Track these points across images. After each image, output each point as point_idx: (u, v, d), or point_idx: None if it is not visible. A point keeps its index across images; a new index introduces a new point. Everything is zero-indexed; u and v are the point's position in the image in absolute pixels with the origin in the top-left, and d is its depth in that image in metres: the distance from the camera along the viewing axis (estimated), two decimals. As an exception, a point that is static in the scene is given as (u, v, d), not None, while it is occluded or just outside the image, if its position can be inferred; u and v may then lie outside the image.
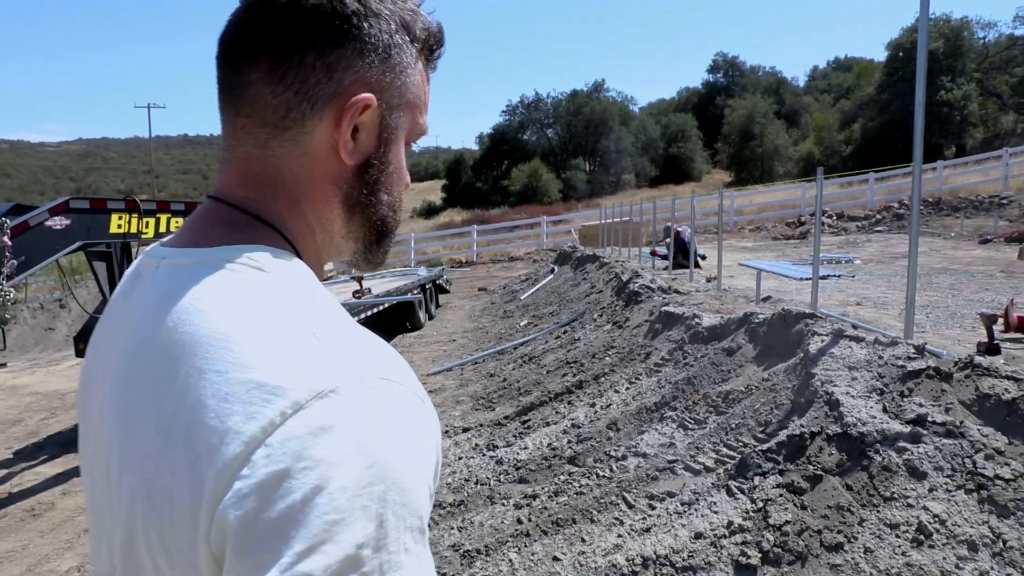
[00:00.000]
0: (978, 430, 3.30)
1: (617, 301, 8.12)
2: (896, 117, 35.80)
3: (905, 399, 3.54)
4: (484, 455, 4.76)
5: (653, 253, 11.66)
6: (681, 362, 5.08)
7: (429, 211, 52.44)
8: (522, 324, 10.14)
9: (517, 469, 4.38)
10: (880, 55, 47.56)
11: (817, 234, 5.53)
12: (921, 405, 3.46)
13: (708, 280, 8.88)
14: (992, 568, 2.75)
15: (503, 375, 7.19)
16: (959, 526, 2.94)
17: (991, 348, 4.33)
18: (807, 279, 7.51)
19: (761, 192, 29.01)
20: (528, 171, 48.63)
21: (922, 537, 2.94)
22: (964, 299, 6.94)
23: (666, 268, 10.47)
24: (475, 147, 65.13)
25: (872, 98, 41.19)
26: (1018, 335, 4.94)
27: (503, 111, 59.73)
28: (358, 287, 10.35)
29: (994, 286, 7.81)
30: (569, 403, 5.50)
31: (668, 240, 11.16)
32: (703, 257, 11.55)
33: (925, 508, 3.02)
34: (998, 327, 4.93)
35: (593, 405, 5.18)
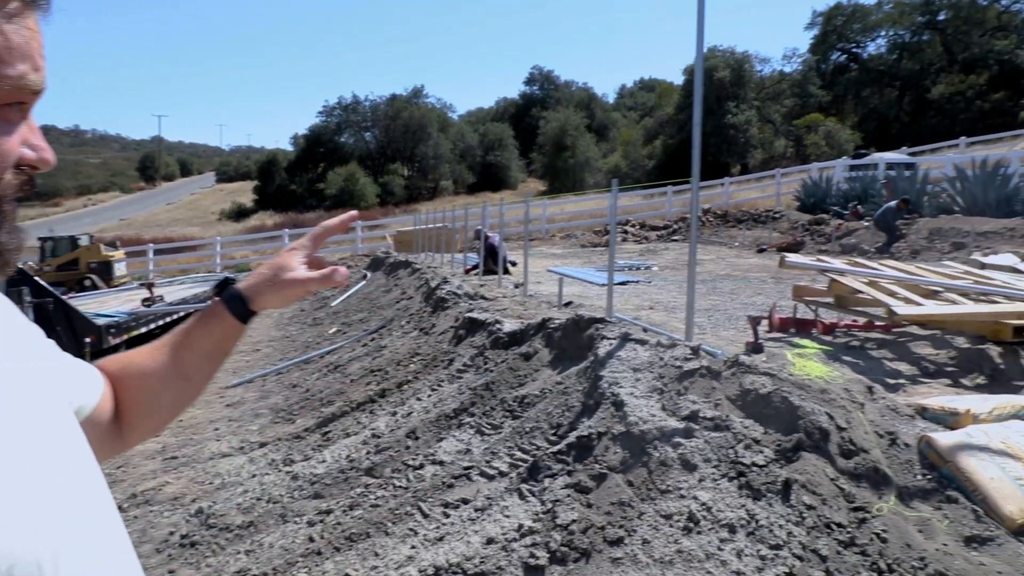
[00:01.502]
0: (740, 422, 3.61)
1: (425, 307, 8.12)
2: (691, 136, 39.07)
3: (681, 397, 3.81)
4: (280, 471, 4.54)
5: (467, 271, 11.79)
6: (482, 368, 5.14)
7: (239, 214, 49.68)
8: (331, 332, 9.85)
9: (312, 484, 4.21)
10: (679, 78, 51.68)
11: (612, 242, 5.82)
12: (694, 402, 3.74)
13: (516, 286, 9.11)
14: (747, 546, 3.01)
15: (306, 385, 6.92)
16: (722, 511, 3.20)
17: (756, 347, 4.77)
18: (605, 285, 7.92)
19: (572, 201, 30.38)
20: (345, 174, 47.61)
21: (691, 524, 3.17)
22: (741, 302, 7.63)
23: (477, 274, 10.62)
24: (290, 148, 62.61)
25: (671, 117, 44.69)
26: (780, 334, 5.49)
27: (319, 112, 57.91)
28: (148, 295, 9.54)
29: (766, 290, 8.66)
30: (371, 412, 5.39)
31: (478, 244, 11.34)
32: (513, 263, 11.86)
33: (695, 498, 3.25)
34: (763, 328, 5.47)
35: (395, 414, 5.11)
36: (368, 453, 4.45)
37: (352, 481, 4.12)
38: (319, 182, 50.14)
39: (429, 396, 5.16)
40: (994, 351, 4.76)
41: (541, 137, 51.86)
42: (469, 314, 6.27)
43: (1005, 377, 4.55)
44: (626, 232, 20.72)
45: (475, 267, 11.26)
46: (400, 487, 3.89)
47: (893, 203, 13.77)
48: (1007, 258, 9.83)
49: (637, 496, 3.37)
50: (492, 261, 10.77)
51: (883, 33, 51.01)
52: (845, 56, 52.50)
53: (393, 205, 45.38)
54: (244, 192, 55.90)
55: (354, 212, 1.11)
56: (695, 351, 4.17)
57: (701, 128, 4.86)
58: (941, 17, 48.28)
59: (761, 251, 14.95)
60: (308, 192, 50.68)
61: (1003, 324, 4.79)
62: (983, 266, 9.40)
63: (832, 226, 16.53)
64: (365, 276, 15.14)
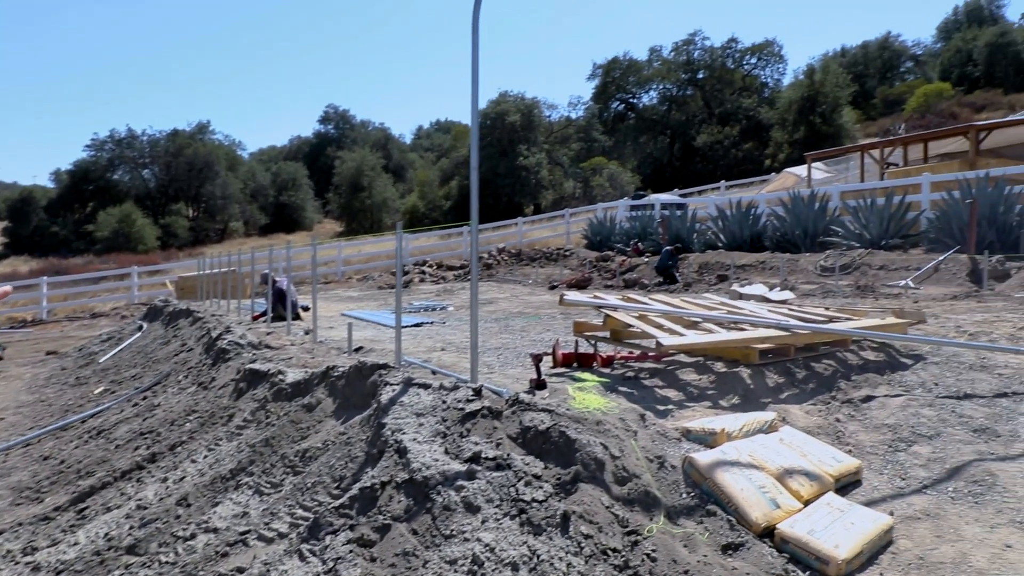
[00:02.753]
0: (522, 459, 3.70)
1: (206, 359, 7.57)
2: (486, 176, 40.45)
3: (464, 439, 3.83)
4: (17, 563, 3.94)
5: (255, 317, 11.17)
6: (263, 422, 4.86)
7: (-17, 260, 43.64)
8: (97, 392, 8.87)
9: (59, 574, 3.70)
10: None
11: (399, 285, 5.79)
12: (476, 443, 3.77)
13: (306, 332, 8.79)
14: (529, 585, 3.06)
15: (61, 456, 6.14)
16: (505, 551, 3.23)
17: (540, 384, 4.94)
18: (393, 327, 7.85)
19: (370, 242, 30.10)
20: (119, 215, 43.61)
21: (475, 568, 3.17)
22: (530, 339, 7.89)
23: (265, 321, 10.11)
24: (50, 184, 56.25)
25: (466, 159, 46.03)
26: (564, 369, 5.73)
27: (88, 145, 52.76)
28: None
29: (555, 326, 9.04)
30: (139, 481, 4.88)
31: (265, 290, 10.83)
32: (305, 308, 11.44)
33: (479, 539, 3.26)
34: (548, 364, 5.69)
35: (166, 480, 4.66)
36: (131, 528, 4.01)
37: (109, 563, 3.68)
38: (88, 223, 45.47)
39: (205, 457, 4.78)
40: (745, 373, 5.30)
41: (337, 177, 51.13)
42: (251, 365, 5.92)
43: (754, 396, 5.07)
44: (423, 272, 20.84)
45: (263, 314, 10.73)
46: (167, 563, 3.53)
47: (668, 248, 15.08)
48: (758, 288, 11.10)
49: (422, 544, 3.32)
50: (281, 307, 10.32)
51: (654, 86, 56.49)
52: (623, 105, 57.35)
53: (176, 248, 42.30)
54: (-11, 235, 49.33)
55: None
56: (477, 392, 4.23)
57: (476, 171, 4.99)
58: (700, 76, 54.53)
59: (553, 288, 15.68)
60: (74, 235, 45.78)
61: (751, 348, 5.36)
62: (741, 296, 10.53)
63: (616, 262, 17.75)
64: (140, 327, 13.88)
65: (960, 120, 37.73)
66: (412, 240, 26.48)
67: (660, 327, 5.53)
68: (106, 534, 4.07)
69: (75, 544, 4.03)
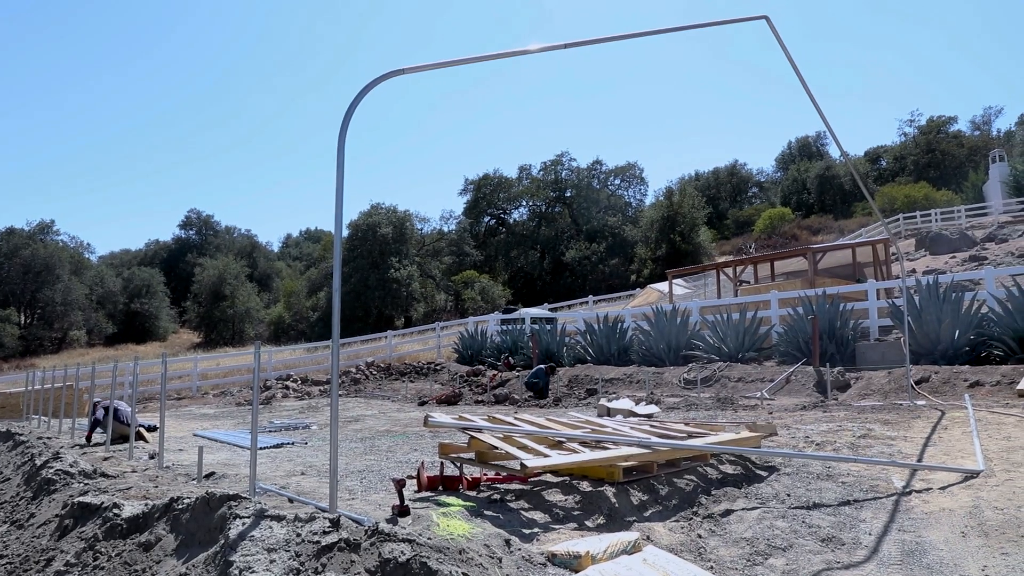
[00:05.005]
0: (382, 597, 3.48)
1: (25, 491, 6.75)
2: (356, 289, 40.11)
3: (318, 575, 3.57)
4: None
5: (88, 436, 10.16)
6: (91, 565, 4.33)
7: None
8: None
9: None
10: (343, 231, 53.48)
11: (255, 406, 5.49)
12: (333, 580, 3.52)
13: (151, 457, 8.10)
14: None
15: None
16: None
17: (403, 510, 4.74)
18: (258, 448, 7.38)
19: (231, 355, 28.69)
20: (-62, 322, 39.42)
21: None
22: (396, 461, 7.62)
23: (103, 444, 9.24)
24: None
25: (334, 269, 45.60)
26: (429, 492, 5.55)
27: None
28: None
29: (423, 446, 8.81)
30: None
31: (97, 415, 9.95)
32: (151, 428, 10.59)
33: None
34: (413, 488, 5.49)
35: (-38, 639, 4.01)
36: None
37: None
38: None
39: (14, 609, 4.17)
40: (610, 491, 5.33)
41: (196, 285, 49.05)
42: (82, 498, 5.34)
43: (619, 514, 5.09)
44: (287, 387, 19.98)
45: (93, 429, 9.81)
46: None
47: (543, 367, 15.33)
48: (625, 402, 11.40)
49: None
50: (121, 423, 9.51)
51: (524, 203, 59.08)
52: (495, 220, 59.37)
53: (2, 360, 38.43)
54: None
55: None
56: (335, 523, 3.99)
57: (339, 291, 4.91)
58: (568, 193, 57.71)
59: (423, 404, 15.41)
60: None
61: (615, 467, 5.43)
62: (609, 410, 10.76)
63: (487, 376, 17.78)
64: (-47, 451, 12.27)
65: (800, 241, 41.81)
66: (276, 353, 25.48)
67: (525, 448, 5.51)
68: None
69: None
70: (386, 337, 27.02)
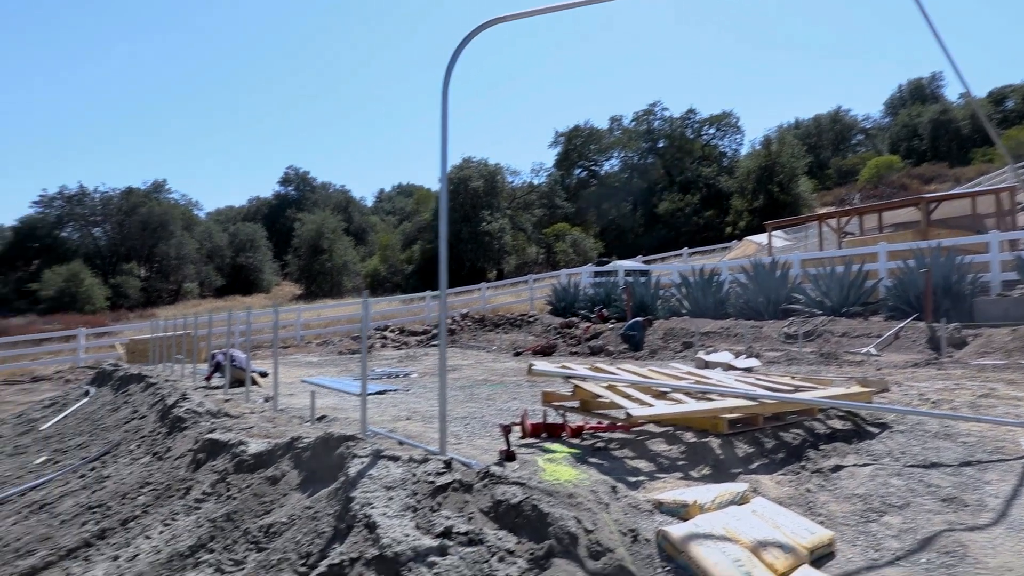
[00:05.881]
0: (494, 534, 3.60)
1: (160, 428, 7.30)
2: (449, 241, 40.74)
3: (435, 514, 3.72)
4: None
5: (208, 377, 10.94)
6: (224, 495, 4.67)
7: (-84, 318, 41.77)
8: (38, 462, 8.46)
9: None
10: (436, 184, 53.96)
11: (364, 353, 5.71)
12: (448, 518, 3.67)
13: (265, 400, 8.57)
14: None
15: (0, 531, 5.79)
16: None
17: (509, 455, 4.86)
18: (358, 395, 7.71)
19: (330, 306, 29.78)
20: (66, 274, 42.36)
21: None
22: (497, 408, 7.79)
23: (221, 387, 9.85)
24: (-7, 240, 54.68)
25: (429, 223, 46.22)
26: (533, 440, 5.66)
27: (35, 202, 51.62)
28: None
29: (521, 395, 8.96)
30: (86, 559, 4.62)
31: (218, 359, 10.63)
32: (263, 374, 11.19)
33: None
34: (517, 434, 5.61)
35: (117, 558, 4.42)
36: (77, 611, 3.77)
37: (53, 650, 3.44)
38: (32, 282, 44.06)
39: (161, 533, 4.56)
40: (715, 443, 5.29)
41: (296, 239, 50.84)
42: (211, 435, 5.73)
43: (725, 466, 5.05)
44: (385, 338, 20.63)
45: (213, 373, 10.63)
46: (115, 650, 3.32)
47: (639, 319, 15.20)
48: (723, 355, 11.22)
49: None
50: (239, 370, 10.09)
51: (616, 154, 58.03)
52: (586, 172, 58.68)
53: (127, 309, 41.22)
54: (-88, 292, 47.23)
55: None
56: (448, 464, 4.14)
57: (445, 241, 4.98)
58: (660, 144, 56.26)
59: (518, 354, 15.62)
60: (16, 293, 44.28)
61: (720, 418, 5.37)
62: (707, 363, 10.62)
63: (581, 328, 17.82)
64: (87, 392, 13.37)
65: (910, 191, 39.43)
66: (374, 305, 26.31)
67: (629, 397, 5.52)
68: (50, 618, 3.83)
69: (15, 630, 3.77)
70: (480, 289, 27.40)
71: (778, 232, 27.01)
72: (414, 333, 21.50)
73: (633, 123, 58.18)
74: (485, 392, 9.42)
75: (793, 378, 6.93)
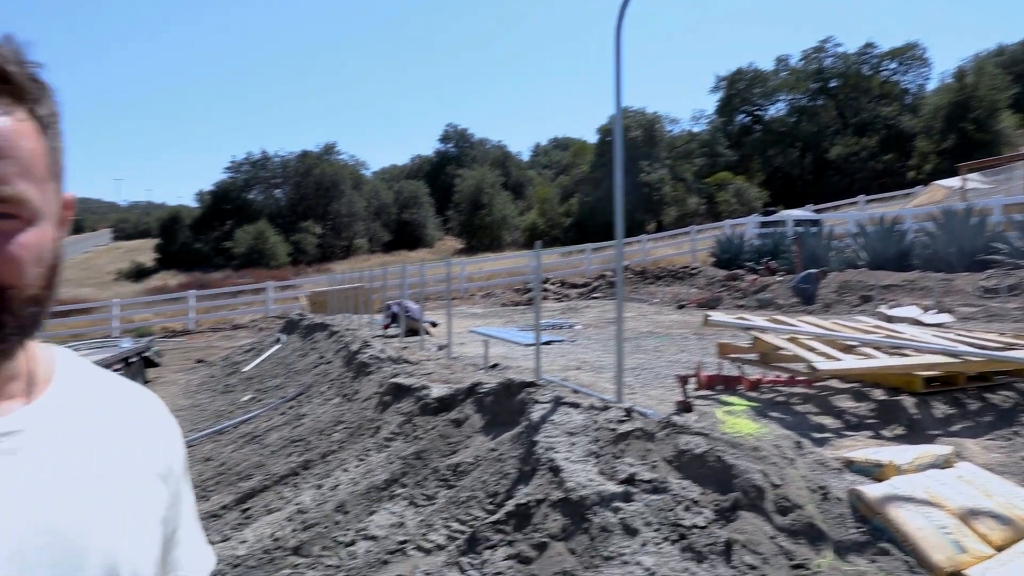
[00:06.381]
0: (678, 483, 3.60)
1: (347, 372, 7.87)
2: (607, 194, 40.01)
3: (618, 460, 3.77)
4: (193, 556, 4.21)
5: (385, 327, 11.66)
6: (411, 435, 4.98)
7: (139, 273, 47.28)
8: (244, 399, 9.42)
9: (235, 567, 3.92)
10: (592, 137, 53.32)
11: (537, 305, 5.82)
12: (631, 465, 3.70)
13: (439, 348, 8.99)
14: (695, 616, 2.96)
15: (221, 459, 6.54)
16: (667, 577, 3.14)
17: (686, 406, 4.81)
18: (532, 345, 7.90)
19: (491, 260, 30.57)
20: (254, 232, 46.23)
21: (637, 593, 3.10)
22: (666, 360, 7.73)
23: (397, 336, 10.43)
24: (194, 204, 60.48)
25: (587, 175, 45.91)
26: (707, 392, 5.56)
27: (227, 168, 56.36)
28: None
29: (689, 347, 8.82)
30: (295, 486, 5.12)
31: (393, 310, 11.27)
32: (434, 324, 11.73)
33: (639, 563, 3.19)
34: (691, 386, 5.53)
35: (320, 487, 4.86)
36: (294, 530, 4.20)
37: (279, 562, 3.86)
38: (226, 240, 48.46)
39: (356, 467, 4.95)
40: (908, 402, 4.95)
41: (457, 195, 52.25)
42: (394, 379, 6.10)
43: (920, 427, 4.72)
44: (547, 290, 20.92)
45: (390, 323, 11.31)
46: (332, 566, 3.66)
47: (813, 271, 14.39)
48: (911, 310, 10.40)
49: (580, 564, 3.28)
50: (413, 320, 10.64)
51: (782, 97, 54.39)
52: (749, 118, 55.59)
53: (306, 264, 44.44)
54: (144, 251, 53.19)
55: None
56: (628, 413, 4.16)
57: (622, 189, 4.93)
58: (832, 84, 52.00)
59: (681, 307, 15.33)
60: (215, 251, 48.90)
61: (915, 376, 5.01)
62: (889, 318, 9.90)
63: (747, 281, 17.16)
64: (279, 339, 14.66)
65: None
66: (534, 258, 26.68)
67: (813, 350, 5.27)
68: (271, 534, 4.28)
69: (244, 541, 4.26)
70: (640, 241, 26.99)
71: (973, 175, 24.36)
72: (574, 285, 21.64)
73: (802, 62, 54.13)
74: (651, 344, 9.35)
75: (1002, 335, 6.30)
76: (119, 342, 13.63)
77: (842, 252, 17.34)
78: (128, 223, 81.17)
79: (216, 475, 5.97)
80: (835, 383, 5.42)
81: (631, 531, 3.33)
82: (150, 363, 13.81)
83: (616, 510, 3.43)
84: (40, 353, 0.79)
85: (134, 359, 11.83)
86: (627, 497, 3.48)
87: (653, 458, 3.78)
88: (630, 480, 3.58)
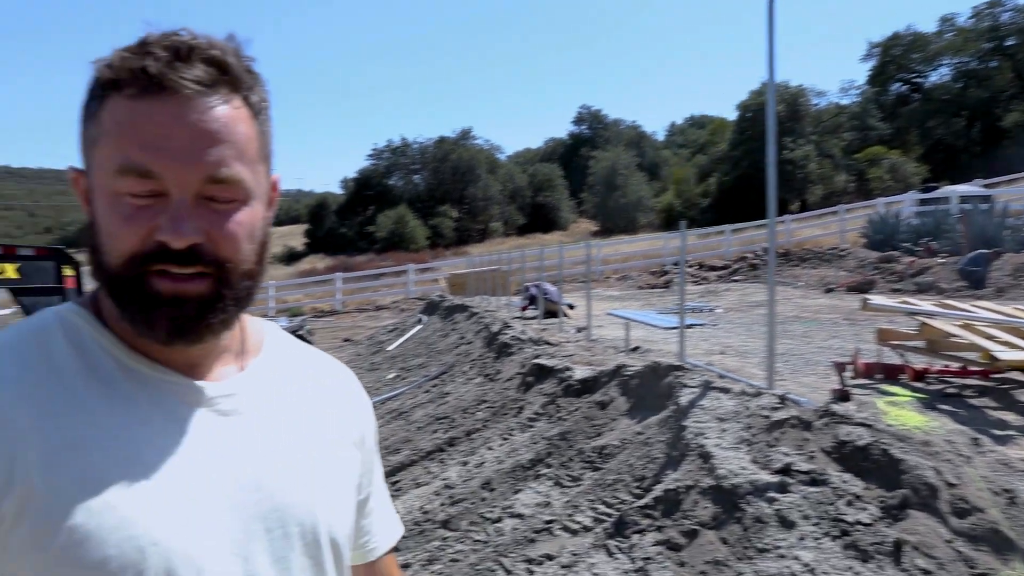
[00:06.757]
0: (839, 476, 3.40)
1: (488, 353, 8.03)
2: (748, 172, 38.55)
3: (772, 449, 3.62)
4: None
5: (523, 308, 11.79)
6: (555, 416, 5.01)
7: (290, 257, 50.48)
8: (389, 377, 9.84)
9: (388, 537, 4.11)
10: (731, 114, 51.15)
11: (682, 287, 5.68)
12: (787, 454, 3.54)
13: (578, 330, 8.98)
14: (860, 617, 2.79)
15: (371, 432, 6.87)
16: (827, 574, 2.98)
17: (843, 395, 4.55)
18: (672, 328, 7.74)
19: (626, 242, 30.19)
20: (394, 217, 48.10)
21: (795, 588, 2.96)
22: (816, 346, 7.34)
23: (535, 317, 10.53)
24: (339, 191, 63.69)
25: (725, 154, 44.20)
26: (866, 381, 5.23)
27: (369, 155, 58.86)
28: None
29: (840, 333, 8.34)
30: (441, 462, 5.29)
31: (531, 292, 11.35)
32: (571, 306, 11.73)
33: (796, 558, 3.05)
34: (848, 374, 5.22)
35: (466, 463, 5.00)
36: (442, 504, 4.34)
37: (428, 534, 4.01)
38: (369, 225, 50.65)
39: (501, 445, 5.04)
40: (1107, 398, 4.44)
41: (591, 177, 51.87)
42: (536, 360, 6.16)
43: (1122, 427, 4.22)
44: (685, 272, 20.43)
45: (528, 305, 11.40)
46: (480, 541, 3.76)
47: (984, 252, 13.13)
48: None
49: (733, 555, 3.18)
50: (551, 302, 10.69)
51: (946, 61, 49.67)
52: (906, 86, 51.29)
53: (443, 247, 45.72)
54: (295, 236, 56.69)
55: None
56: (782, 400, 3.98)
57: (775, 165, 4.67)
58: (1009, 43, 46.76)
59: (829, 291, 14.50)
60: (358, 235, 51.26)
61: (1114, 368, 4.47)
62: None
63: (904, 263, 15.96)
64: (421, 320, 15.18)
65: None
66: (670, 240, 26.05)
67: (991, 339, 4.81)
68: (420, 507, 4.45)
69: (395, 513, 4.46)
70: (783, 222, 25.70)
71: None
72: (713, 268, 21.00)
73: (972, 20, 49.11)
74: (799, 329, 8.91)
75: None
76: (276, 321, 14.60)
77: (1019, 231, 15.73)
78: (280, 210, 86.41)
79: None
80: (1016, 375, 4.94)
81: (788, 524, 3.19)
82: (303, 341, 14.67)
83: (771, 501, 3.29)
84: (250, 325, 0.85)
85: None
86: (783, 488, 3.33)
87: (811, 448, 3.60)
88: (786, 470, 3.42)
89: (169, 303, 0.69)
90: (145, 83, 0.68)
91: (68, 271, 5.92)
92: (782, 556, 3.08)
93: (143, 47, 0.69)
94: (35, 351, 0.71)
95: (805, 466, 3.44)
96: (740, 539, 3.21)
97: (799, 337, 8.16)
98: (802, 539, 3.12)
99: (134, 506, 0.66)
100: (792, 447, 3.63)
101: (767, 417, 3.80)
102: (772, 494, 3.32)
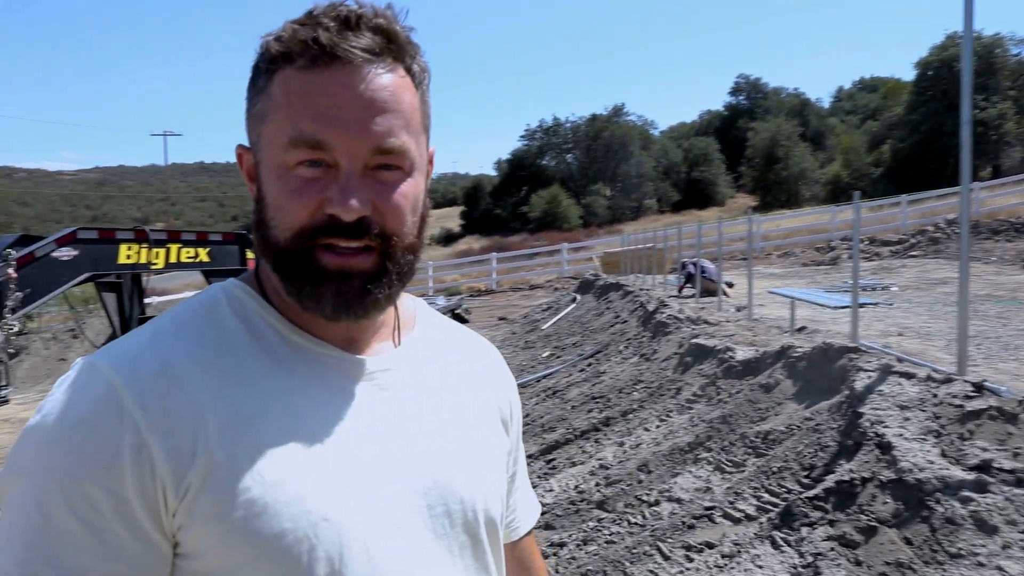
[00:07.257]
0: (1052, 479, 3.00)
1: (643, 332, 7.86)
2: (928, 137, 35.12)
3: (966, 442, 3.25)
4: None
5: (680, 288, 11.50)
6: (715, 398, 4.80)
7: (447, 238, 52.25)
8: (544, 356, 9.89)
9: (543, 514, 4.11)
10: (907, 74, 46.82)
11: (856, 262, 5.25)
12: (985, 450, 3.17)
13: (738, 309, 8.60)
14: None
15: (525, 410, 6.93)
16: (1038, 589, 2.64)
17: (1053, 383, 4.01)
18: (843, 308, 7.19)
19: (788, 217, 28.57)
20: (547, 197, 48.36)
21: (995, 601, 2.64)
22: (1014, 328, 6.58)
23: (692, 296, 10.19)
24: (493, 173, 64.99)
25: (902, 119, 40.54)
26: (1078, 367, 4.60)
27: (521, 136, 59.52)
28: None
29: (1044, 314, 7.44)
30: (596, 441, 5.23)
31: (689, 270, 10.99)
32: (730, 285, 11.25)
33: (998, 567, 2.72)
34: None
35: (622, 444, 4.91)
36: (597, 484, 4.29)
37: (583, 514, 3.97)
38: (522, 205, 51.28)
39: (658, 427, 4.91)
40: None
41: (750, 149, 49.48)
42: (695, 340, 5.94)
43: None
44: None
45: (685, 284, 11.06)
46: (636, 524, 3.68)
47: None
48: None
49: (919, 557, 2.89)
50: (709, 281, 10.31)
51: None
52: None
53: (596, 226, 45.41)
54: (451, 217, 58.57)
55: None
56: (978, 388, 3.56)
57: (970, 125, 4.15)
58: None
59: (1029, 266, 12.99)
60: (512, 216, 52.05)
61: None
62: None
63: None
64: (575, 299, 15.16)
65: None
66: (838, 214, 24.35)
67: None
68: (576, 486, 4.42)
69: (551, 490, 4.46)
70: (972, 190, 23.28)
71: None
72: (886, 243, 19.41)
73: None
74: (993, 310, 8.03)
75: None
76: (435, 300, 15.14)
77: None
78: (437, 193, 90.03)
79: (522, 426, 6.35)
80: None
81: (987, 528, 2.85)
82: (461, 319, 15.20)
83: (965, 500, 2.95)
84: (405, 301, 0.85)
85: (448, 315, 13.04)
86: (981, 487, 2.98)
87: (1015, 444, 3.20)
88: (984, 467, 3.06)
89: (336, 278, 0.69)
90: (316, 53, 0.68)
91: (251, 254, 6.41)
92: (980, 564, 2.76)
93: (312, 18, 0.69)
94: (208, 326, 0.72)
95: (1009, 464, 3.06)
96: (927, 540, 2.91)
97: (993, 318, 7.34)
98: (1006, 548, 2.77)
99: (305, 480, 0.67)
100: (991, 441, 3.24)
101: (959, 407, 3.42)
102: (967, 493, 2.98)
